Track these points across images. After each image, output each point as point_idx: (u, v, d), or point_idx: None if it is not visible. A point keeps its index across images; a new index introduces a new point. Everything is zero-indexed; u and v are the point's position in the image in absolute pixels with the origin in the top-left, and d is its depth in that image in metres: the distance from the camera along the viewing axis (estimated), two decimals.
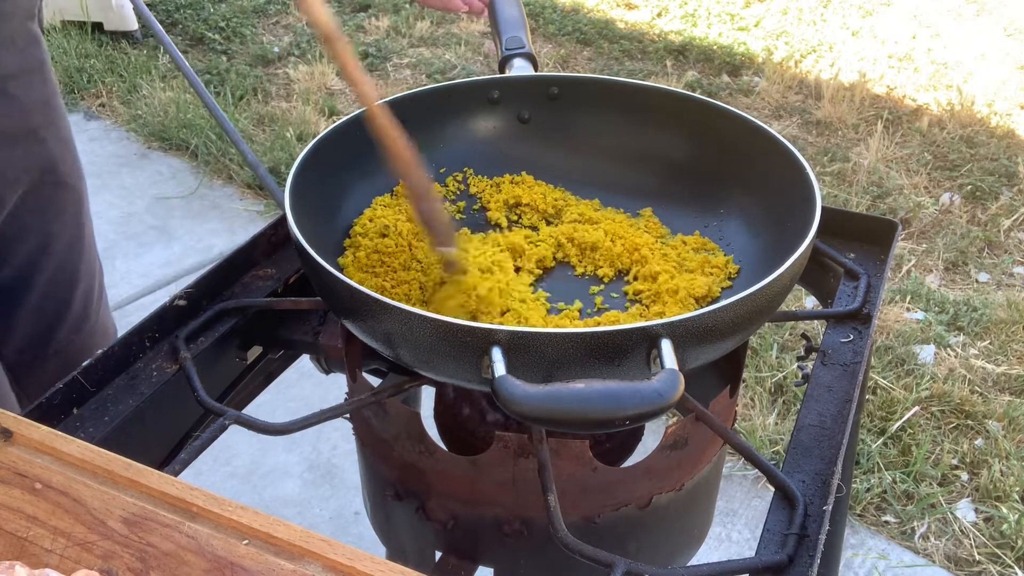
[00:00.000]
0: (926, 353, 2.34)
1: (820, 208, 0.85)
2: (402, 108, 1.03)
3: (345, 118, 1.00)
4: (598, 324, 0.89)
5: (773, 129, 0.97)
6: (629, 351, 0.70)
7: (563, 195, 1.07)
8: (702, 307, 0.85)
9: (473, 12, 1.15)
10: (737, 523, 1.97)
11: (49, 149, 1.13)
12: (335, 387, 1.17)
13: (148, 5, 4.14)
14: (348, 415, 0.93)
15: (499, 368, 0.67)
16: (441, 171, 1.08)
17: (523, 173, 1.09)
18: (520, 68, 1.11)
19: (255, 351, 1.01)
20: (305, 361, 1.09)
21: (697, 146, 1.04)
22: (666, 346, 0.69)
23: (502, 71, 1.12)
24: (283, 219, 1.05)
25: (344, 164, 1.00)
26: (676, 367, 0.67)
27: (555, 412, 0.64)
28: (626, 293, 0.94)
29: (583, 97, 1.09)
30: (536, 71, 1.12)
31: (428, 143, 1.07)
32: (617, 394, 0.64)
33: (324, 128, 1.01)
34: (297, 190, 0.88)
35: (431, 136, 1.07)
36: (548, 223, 1.04)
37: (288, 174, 0.90)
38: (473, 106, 1.09)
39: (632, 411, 0.64)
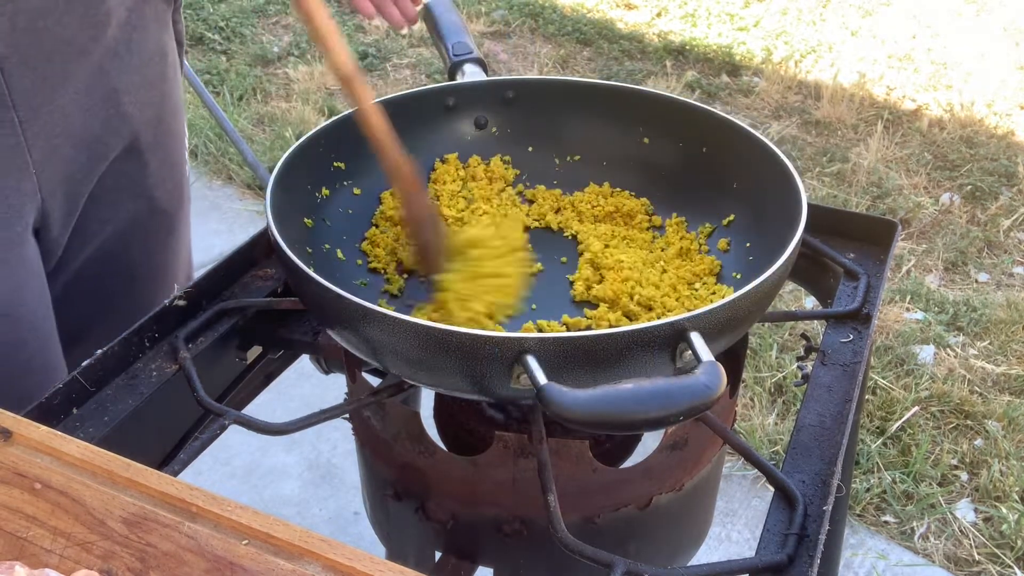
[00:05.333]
0: (926, 353, 2.34)
1: (802, 190, 0.86)
2: (355, 123, 1.03)
3: (324, 124, 1.00)
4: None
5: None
6: (657, 348, 0.70)
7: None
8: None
9: (395, 25, 1.04)
10: (737, 523, 1.97)
11: (149, 172, 1.07)
12: (335, 387, 1.17)
13: None
14: (348, 415, 0.93)
15: (540, 376, 0.66)
16: None
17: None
18: (472, 74, 1.11)
19: (255, 351, 1.01)
20: (305, 361, 1.09)
21: (665, 143, 1.06)
22: (696, 339, 0.69)
23: (452, 78, 1.12)
24: None
25: (327, 168, 1.00)
26: (713, 358, 0.67)
27: (609, 416, 0.63)
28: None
29: (539, 99, 1.09)
30: (487, 75, 1.12)
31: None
32: (668, 391, 0.64)
33: None
34: (280, 192, 0.89)
35: (402, 148, 1.07)
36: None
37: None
38: (430, 115, 1.08)
39: (685, 407, 0.63)
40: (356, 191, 1.03)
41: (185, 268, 1.21)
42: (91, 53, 0.96)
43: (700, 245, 1.00)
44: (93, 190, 1.03)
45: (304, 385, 2.08)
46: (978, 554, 1.87)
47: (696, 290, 0.93)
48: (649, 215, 1.05)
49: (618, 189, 1.08)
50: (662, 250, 0.99)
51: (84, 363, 0.85)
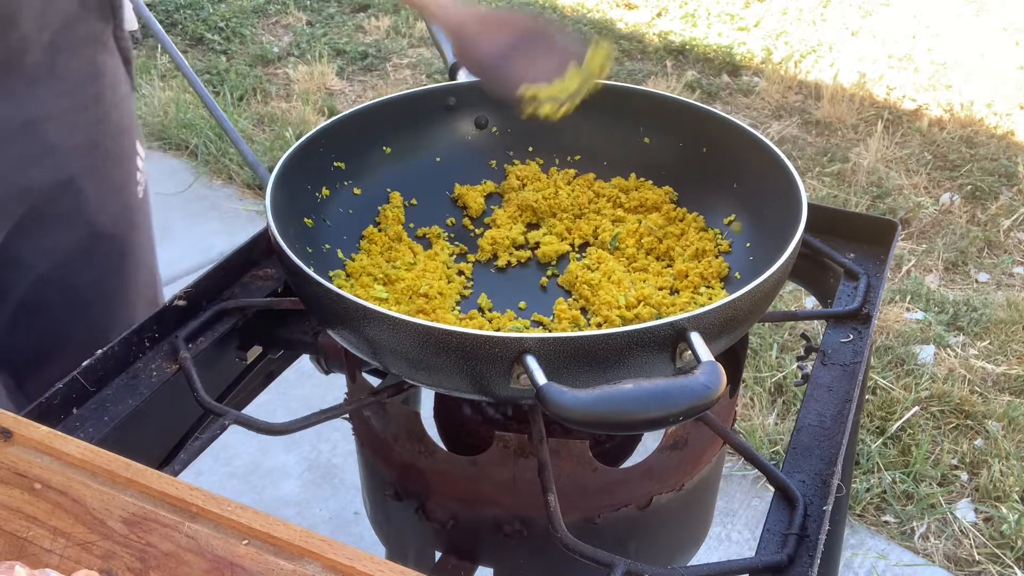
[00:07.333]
0: (926, 353, 2.34)
1: (803, 190, 0.85)
2: (358, 123, 1.03)
3: (324, 124, 1.00)
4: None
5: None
6: (657, 348, 0.70)
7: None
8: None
9: None
10: (737, 523, 1.97)
11: (85, 199, 1.01)
12: (335, 387, 1.17)
13: (148, 5, 4.14)
14: (348, 415, 0.93)
15: (539, 376, 0.66)
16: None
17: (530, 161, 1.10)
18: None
19: (255, 351, 1.01)
20: (305, 361, 1.09)
21: (665, 143, 1.06)
22: (696, 339, 0.69)
23: (453, 77, 1.12)
24: None
25: (327, 168, 1.00)
26: (712, 358, 0.67)
27: (608, 416, 0.63)
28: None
29: None
30: None
31: (397, 156, 1.06)
32: (668, 392, 0.64)
33: None
34: (280, 192, 0.88)
35: (402, 148, 1.07)
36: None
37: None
38: (431, 115, 1.07)
39: (685, 407, 0.63)
40: (356, 191, 1.03)
41: (147, 289, 1.15)
42: (2, 81, 0.91)
43: (719, 244, 0.99)
44: (21, 221, 0.98)
45: (304, 385, 2.08)
46: (978, 554, 1.87)
47: (700, 294, 0.93)
48: (675, 203, 1.05)
49: (643, 179, 1.08)
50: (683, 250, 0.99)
51: (84, 363, 0.85)
